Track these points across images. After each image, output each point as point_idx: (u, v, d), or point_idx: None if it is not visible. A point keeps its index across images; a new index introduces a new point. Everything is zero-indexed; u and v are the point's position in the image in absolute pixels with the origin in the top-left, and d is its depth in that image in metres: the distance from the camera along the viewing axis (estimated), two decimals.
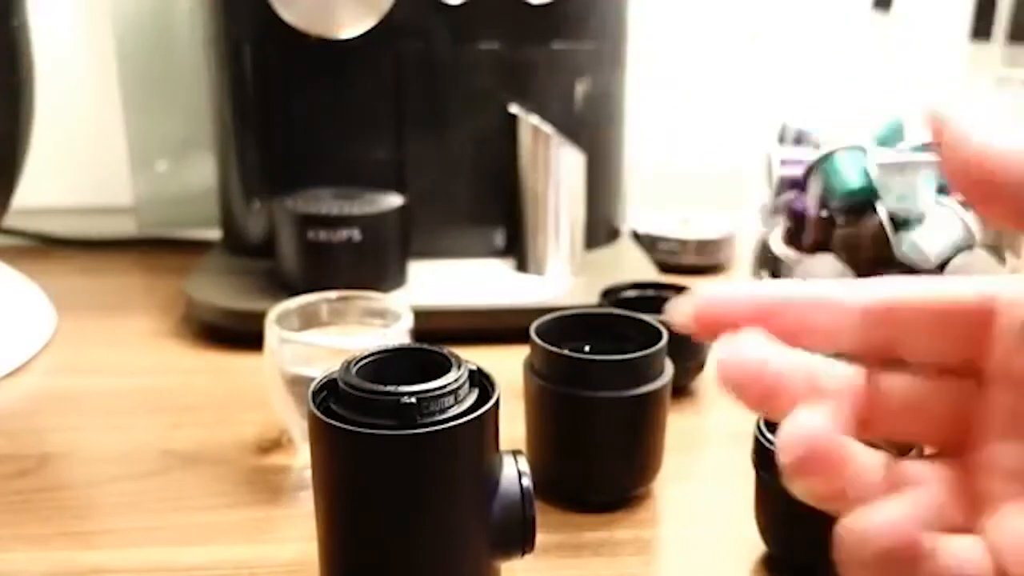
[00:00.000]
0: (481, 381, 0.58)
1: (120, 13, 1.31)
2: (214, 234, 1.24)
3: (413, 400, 0.53)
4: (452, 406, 0.55)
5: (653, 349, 0.72)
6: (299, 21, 0.99)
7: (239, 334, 0.98)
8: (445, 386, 0.54)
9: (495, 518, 0.58)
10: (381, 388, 0.53)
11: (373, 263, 1.04)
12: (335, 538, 0.57)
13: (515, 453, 0.60)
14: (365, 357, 0.58)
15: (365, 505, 0.55)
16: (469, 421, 0.54)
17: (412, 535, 0.55)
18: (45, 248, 1.35)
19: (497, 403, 0.56)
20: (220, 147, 1.18)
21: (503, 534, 0.59)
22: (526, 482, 0.59)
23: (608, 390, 0.70)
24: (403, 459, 0.53)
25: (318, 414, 0.54)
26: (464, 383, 0.56)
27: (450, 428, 0.53)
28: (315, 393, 0.56)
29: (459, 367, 0.56)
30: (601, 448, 0.71)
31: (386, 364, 0.58)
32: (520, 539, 0.59)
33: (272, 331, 0.77)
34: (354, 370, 0.56)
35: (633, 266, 1.16)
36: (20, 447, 0.82)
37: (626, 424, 0.71)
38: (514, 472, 0.59)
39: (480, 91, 1.11)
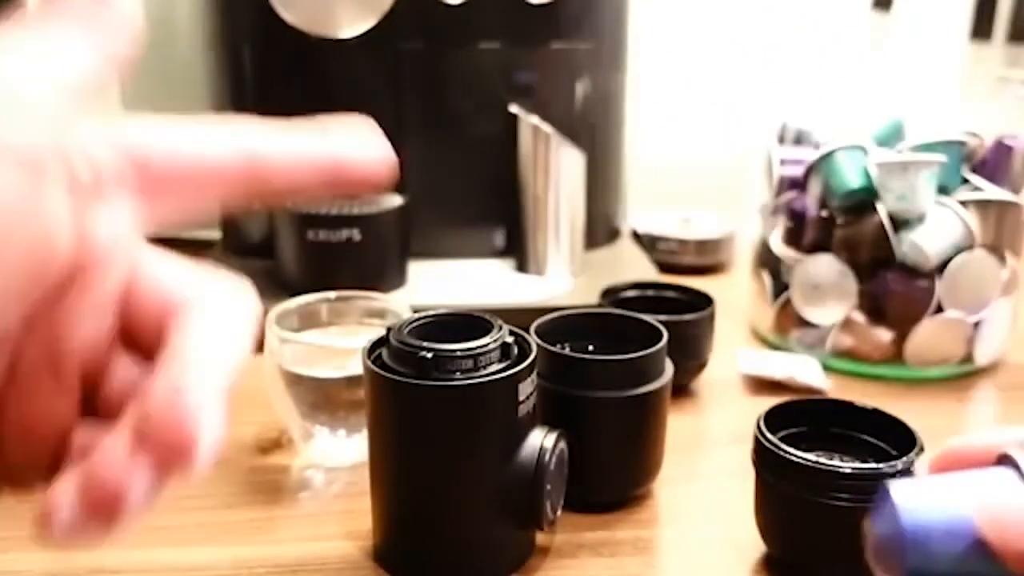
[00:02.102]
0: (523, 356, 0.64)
1: None
2: (213, 234, 1.24)
3: (430, 356, 0.60)
4: (472, 368, 0.61)
5: (653, 349, 0.72)
6: (299, 21, 0.99)
7: None
8: (465, 349, 0.61)
9: (505, 484, 0.62)
10: (411, 342, 0.61)
11: (373, 263, 1.04)
12: (373, 463, 0.65)
13: (558, 432, 0.64)
14: (423, 318, 0.65)
15: (387, 443, 0.64)
16: (479, 384, 0.60)
17: (422, 478, 0.63)
18: None
19: (515, 376, 0.61)
20: None
21: (511, 502, 0.62)
22: (546, 458, 0.62)
23: (608, 390, 0.70)
24: (415, 406, 0.61)
25: (365, 360, 0.63)
26: (489, 351, 0.61)
27: (457, 386, 0.60)
28: (374, 345, 0.65)
29: (493, 337, 0.62)
30: (601, 448, 0.71)
31: (444, 326, 0.64)
32: (529, 511, 0.63)
33: (272, 331, 0.77)
34: (407, 328, 0.63)
35: (633, 266, 1.16)
36: None
37: (626, 424, 0.72)
38: (537, 446, 0.62)
39: (480, 91, 1.11)
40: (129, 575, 0.65)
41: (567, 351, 0.74)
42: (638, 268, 1.15)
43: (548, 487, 0.62)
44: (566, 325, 0.78)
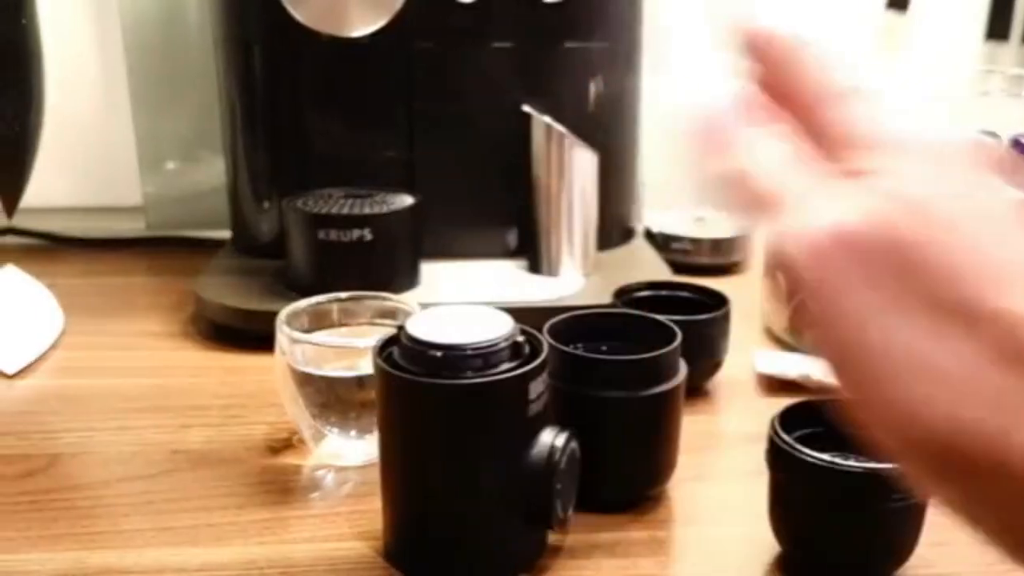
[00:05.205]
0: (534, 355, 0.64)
1: (128, 12, 1.32)
2: (224, 234, 1.25)
3: (440, 354, 0.61)
4: (482, 367, 0.61)
5: (666, 349, 0.72)
6: (310, 20, 0.99)
7: (249, 334, 0.98)
8: (475, 347, 0.61)
9: (515, 483, 0.62)
10: (422, 340, 0.62)
11: (385, 263, 1.04)
12: (384, 462, 0.66)
13: (569, 432, 0.64)
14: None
15: (396, 442, 0.64)
16: (488, 382, 0.61)
17: (431, 477, 0.63)
18: (53, 248, 1.36)
19: (525, 375, 0.62)
20: (230, 147, 1.18)
21: (521, 501, 0.63)
22: (556, 457, 0.62)
23: (621, 390, 0.70)
24: (424, 404, 0.62)
25: (376, 359, 0.63)
26: (499, 350, 0.62)
27: (466, 384, 0.60)
28: (385, 344, 0.65)
29: (503, 336, 0.62)
30: (614, 448, 0.71)
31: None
32: (539, 510, 0.63)
33: (283, 331, 0.77)
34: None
35: (647, 266, 1.16)
36: (29, 448, 0.82)
37: (639, 424, 0.72)
38: (548, 445, 0.63)
39: (493, 90, 1.11)
40: (138, 575, 0.65)
41: (580, 351, 0.74)
42: (652, 268, 1.15)
43: (558, 486, 0.62)
44: (579, 325, 0.78)
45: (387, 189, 1.08)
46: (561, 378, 0.69)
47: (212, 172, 1.33)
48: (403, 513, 0.66)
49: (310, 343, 0.78)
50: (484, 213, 1.15)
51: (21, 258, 1.17)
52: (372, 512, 0.69)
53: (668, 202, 1.35)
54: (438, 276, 1.09)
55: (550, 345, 0.66)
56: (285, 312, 0.80)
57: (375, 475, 0.67)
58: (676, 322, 0.76)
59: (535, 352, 0.64)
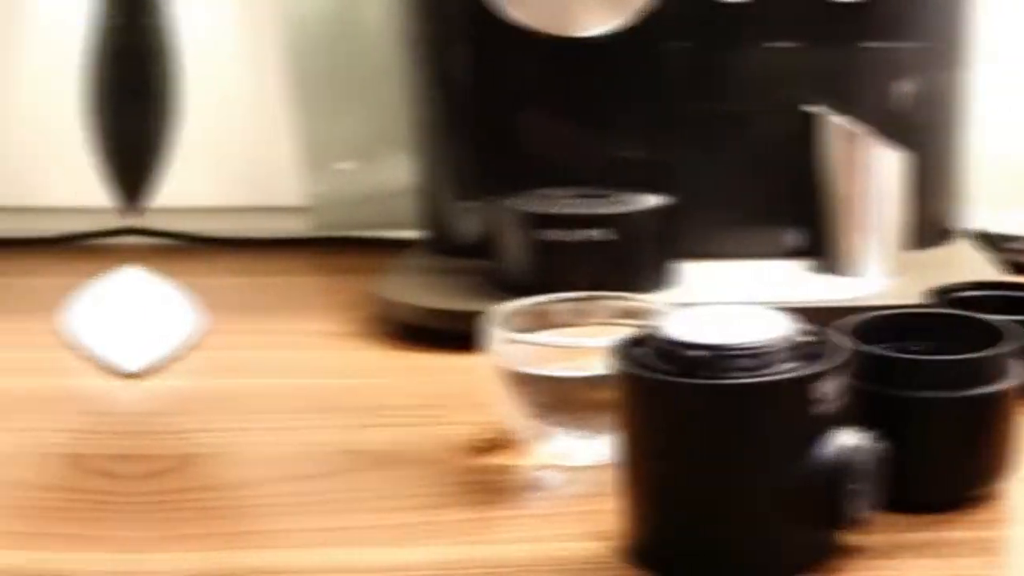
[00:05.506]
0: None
1: (290, 10, 1.40)
2: (401, 234, 1.33)
3: (705, 354, 0.62)
4: (754, 368, 0.62)
5: (988, 352, 0.73)
6: (530, 20, 1.03)
7: (445, 335, 1.02)
8: (744, 347, 0.63)
9: (797, 485, 0.63)
10: (681, 339, 0.64)
11: (625, 265, 1.08)
12: (629, 466, 0.67)
13: (868, 432, 0.65)
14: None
15: (649, 446, 0.66)
16: (762, 383, 0.62)
17: (693, 479, 0.65)
18: (198, 248, 1.43)
19: (807, 378, 0.62)
20: (425, 147, 1.24)
21: (804, 503, 0.64)
22: (847, 457, 0.63)
23: (932, 391, 0.72)
24: (688, 407, 0.63)
25: (620, 359, 0.66)
26: (775, 349, 0.63)
27: (737, 385, 0.62)
28: (629, 344, 0.67)
29: (779, 334, 0.64)
30: (925, 451, 0.72)
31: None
32: (827, 512, 0.64)
33: (499, 332, 0.82)
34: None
35: (967, 266, 1.17)
36: (160, 447, 0.85)
37: (953, 427, 0.73)
38: (838, 447, 0.64)
39: (766, 91, 1.15)
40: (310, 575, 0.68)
41: (887, 351, 0.75)
42: (974, 268, 1.16)
43: (852, 487, 0.63)
44: (886, 325, 0.79)
45: (624, 189, 1.12)
46: (865, 378, 0.70)
47: (389, 172, 1.39)
48: (658, 515, 0.67)
49: (532, 343, 0.82)
50: (757, 213, 1.18)
51: (161, 258, 1.24)
52: (602, 512, 0.70)
53: (1003, 201, 1.34)
54: (703, 276, 1.12)
55: (851, 345, 0.68)
56: (502, 311, 0.84)
57: (604, 476, 0.70)
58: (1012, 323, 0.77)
59: (824, 352, 0.65)
